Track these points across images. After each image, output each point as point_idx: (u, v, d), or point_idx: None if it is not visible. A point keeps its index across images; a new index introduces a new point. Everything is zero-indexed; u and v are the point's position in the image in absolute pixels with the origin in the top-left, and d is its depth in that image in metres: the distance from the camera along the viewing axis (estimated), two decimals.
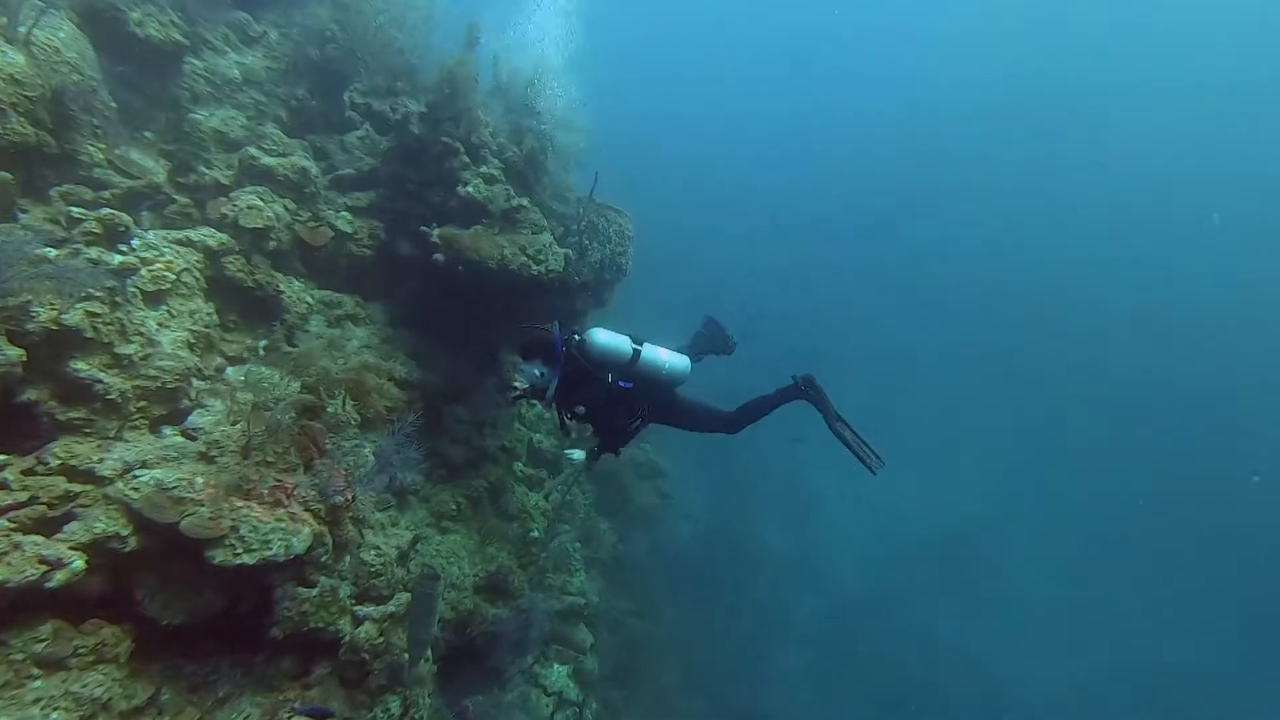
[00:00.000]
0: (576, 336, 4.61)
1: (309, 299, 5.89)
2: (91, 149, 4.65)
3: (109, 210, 4.26)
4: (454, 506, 7.27)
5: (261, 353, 5.38)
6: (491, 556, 7.48)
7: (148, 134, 5.29)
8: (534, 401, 4.67)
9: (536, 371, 4.51)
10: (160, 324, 4.42)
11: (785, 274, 28.29)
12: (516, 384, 4.70)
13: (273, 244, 5.60)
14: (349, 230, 6.55)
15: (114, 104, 4.66)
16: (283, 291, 5.56)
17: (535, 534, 8.33)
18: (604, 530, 12.21)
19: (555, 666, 8.44)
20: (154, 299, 4.39)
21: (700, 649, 13.74)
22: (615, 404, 4.70)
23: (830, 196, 33.33)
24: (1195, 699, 17.13)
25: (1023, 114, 35.76)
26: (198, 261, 4.72)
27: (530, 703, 7.48)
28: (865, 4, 37.73)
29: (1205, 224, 31.00)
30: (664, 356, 4.77)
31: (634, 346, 4.69)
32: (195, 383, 4.65)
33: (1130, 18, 33.44)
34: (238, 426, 4.57)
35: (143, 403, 4.27)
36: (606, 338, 4.65)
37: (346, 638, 4.71)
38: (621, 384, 4.57)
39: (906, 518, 20.33)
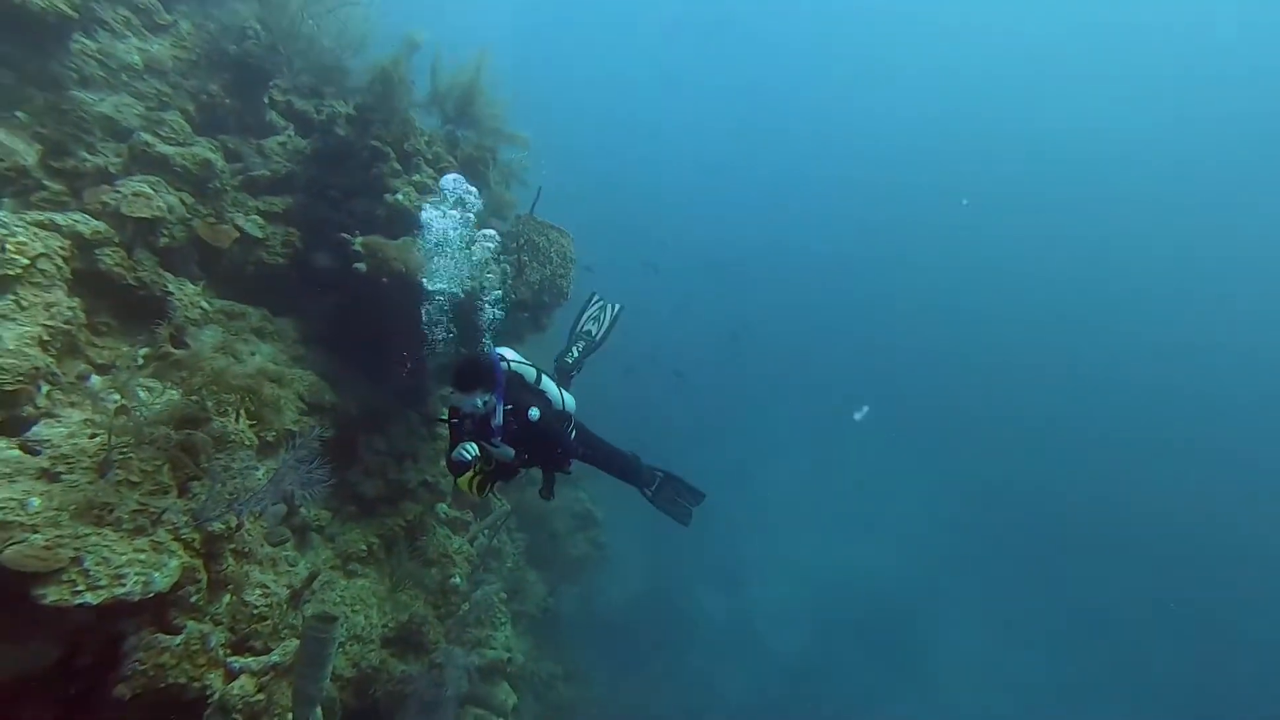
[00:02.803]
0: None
1: (205, 305, 5.22)
2: None
3: None
4: (364, 547, 6.48)
5: (140, 361, 4.66)
6: (404, 605, 6.67)
7: (20, 114, 4.63)
8: (468, 449, 3.88)
9: (478, 402, 3.88)
10: (3, 315, 3.71)
11: (716, 322, 28.72)
12: (452, 418, 4.06)
13: (164, 240, 4.96)
14: (259, 235, 5.97)
15: None
16: (172, 293, 4.90)
17: (457, 582, 7.54)
18: (533, 582, 11.42)
19: None
20: None
21: (630, 718, 12.91)
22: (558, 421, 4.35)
23: (761, 243, 34.48)
24: None
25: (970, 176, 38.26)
26: (61, 248, 4.05)
27: None
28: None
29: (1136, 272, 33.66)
30: (552, 385, 4.57)
31: (536, 368, 4.44)
32: (45, 388, 3.91)
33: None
34: (96, 440, 3.85)
35: None
36: (515, 355, 4.36)
37: (215, 695, 3.91)
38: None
39: (842, 584, 20.31)
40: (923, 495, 25.53)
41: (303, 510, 6.00)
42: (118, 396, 3.65)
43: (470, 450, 3.82)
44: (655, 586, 16.54)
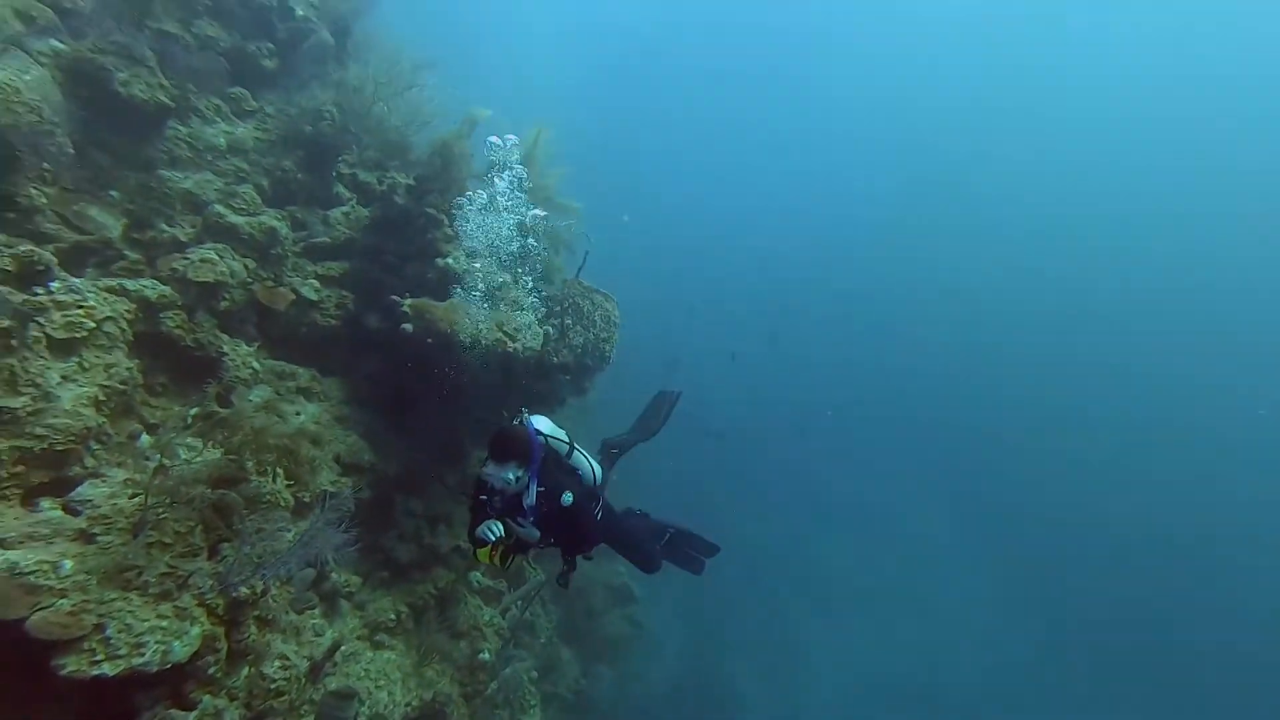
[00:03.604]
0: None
1: (255, 365, 5.36)
2: (35, 192, 4.31)
3: (28, 246, 3.83)
4: (393, 616, 6.29)
5: (190, 421, 4.75)
6: (430, 681, 6.38)
7: (113, 193, 5.01)
8: (492, 529, 3.64)
9: (511, 476, 3.64)
10: (65, 377, 3.85)
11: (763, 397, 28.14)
12: (480, 493, 3.80)
13: (225, 303, 5.17)
14: (314, 298, 6.17)
15: (71, 151, 4.38)
16: (226, 354, 5.04)
17: (486, 657, 7.22)
18: (566, 660, 10.87)
19: None
20: (64, 348, 3.85)
21: None
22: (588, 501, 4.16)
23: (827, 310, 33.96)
24: None
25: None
26: (127, 311, 4.24)
27: None
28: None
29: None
30: (588, 455, 4.38)
31: (569, 438, 4.25)
32: (94, 448, 3.99)
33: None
34: (136, 500, 3.87)
35: (19, 468, 3.58)
36: (549, 426, 4.16)
37: None
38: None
39: (899, 677, 18.65)
40: (995, 579, 23.48)
41: (333, 575, 5.91)
42: (159, 456, 3.67)
43: (495, 530, 3.61)
44: (694, 670, 15.50)
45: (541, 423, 4.15)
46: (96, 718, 3.52)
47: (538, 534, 3.87)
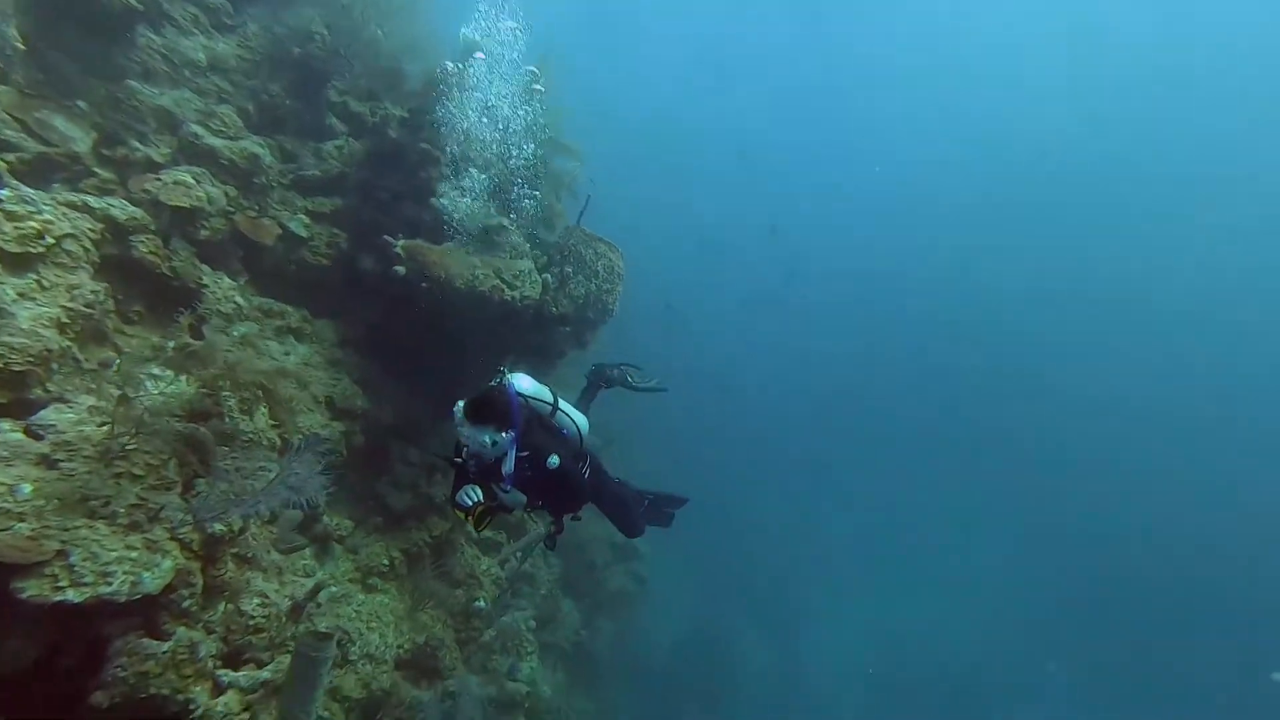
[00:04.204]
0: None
1: (239, 300, 5.14)
2: None
3: None
4: (386, 562, 6.20)
5: (170, 352, 4.56)
6: (423, 626, 6.32)
7: (81, 104, 4.72)
8: (470, 494, 3.47)
9: (488, 440, 3.40)
10: (22, 294, 3.64)
11: (784, 360, 27.73)
12: (458, 456, 3.60)
13: (204, 232, 4.92)
14: (303, 235, 5.91)
15: (20, 44, 4.07)
16: (206, 286, 4.82)
17: (481, 605, 7.16)
18: (567, 612, 10.88)
19: None
20: (18, 263, 3.63)
21: None
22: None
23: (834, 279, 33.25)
24: None
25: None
26: (91, 230, 4.00)
27: None
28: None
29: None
30: (572, 410, 4.13)
31: (552, 393, 4.01)
32: (60, 372, 3.81)
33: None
34: (104, 429, 3.69)
35: None
36: (532, 383, 3.90)
37: (198, 710, 3.61)
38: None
39: (902, 648, 18.66)
40: (1003, 554, 23.34)
41: (325, 518, 5.80)
42: (121, 385, 3.47)
43: (473, 496, 3.43)
44: (699, 629, 15.59)
45: (523, 382, 3.88)
46: (66, 643, 3.42)
47: (524, 499, 3.67)
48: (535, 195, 6.31)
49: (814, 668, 17.54)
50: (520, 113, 6.26)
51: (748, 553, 19.03)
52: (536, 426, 3.75)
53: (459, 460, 3.51)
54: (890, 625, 19.54)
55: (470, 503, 3.47)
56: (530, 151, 6.59)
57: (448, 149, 6.14)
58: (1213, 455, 28.06)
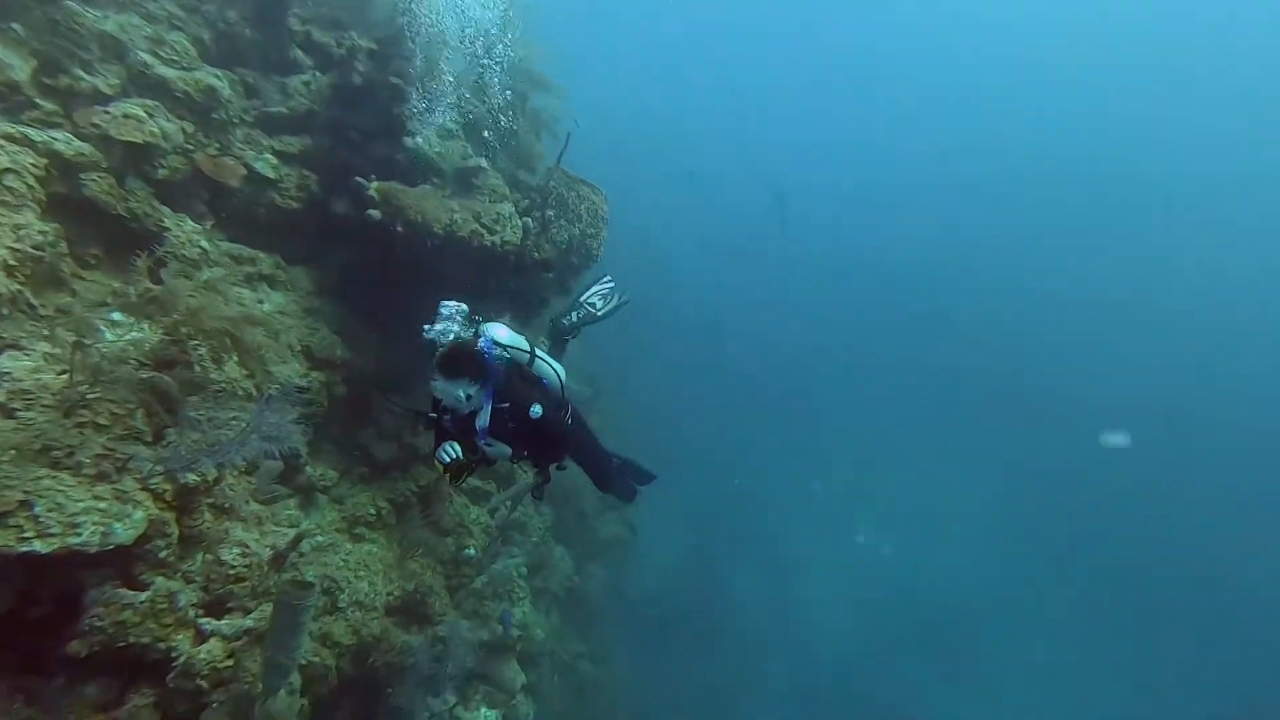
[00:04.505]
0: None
1: (205, 245, 4.90)
2: None
3: None
4: (373, 511, 6.18)
5: (134, 299, 4.36)
6: (413, 574, 6.36)
7: (16, 27, 4.35)
8: (450, 450, 3.43)
9: (462, 394, 3.34)
10: None
11: (761, 299, 27.59)
12: (434, 411, 3.57)
13: (162, 171, 4.64)
14: (271, 176, 5.62)
15: None
16: (168, 228, 4.58)
17: (471, 553, 7.21)
18: (559, 558, 11.04)
19: (482, 711, 7.21)
20: None
21: (656, 703, 12.47)
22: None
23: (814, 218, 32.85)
24: None
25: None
26: (34, 165, 3.74)
27: None
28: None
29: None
30: (549, 358, 4.02)
31: (530, 342, 3.90)
32: (14, 317, 3.62)
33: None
34: (63, 377, 3.54)
35: None
36: (508, 333, 3.77)
37: (181, 658, 3.60)
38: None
39: (893, 582, 19.21)
40: (989, 488, 23.87)
41: (308, 469, 5.73)
42: (74, 331, 3.31)
43: (451, 452, 3.38)
44: (691, 573, 15.94)
45: (499, 331, 3.73)
46: (38, 593, 3.36)
47: (508, 451, 3.63)
48: (513, 129, 6.00)
49: (803, 604, 18.07)
50: (497, 46, 5.90)
51: (737, 495, 19.39)
52: (515, 377, 3.65)
53: (433, 416, 3.43)
54: (878, 561, 20.08)
55: (449, 458, 3.42)
56: (507, 85, 6.25)
57: (419, 84, 5.80)
58: (1194, 392, 28.63)
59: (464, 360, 3.37)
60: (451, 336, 3.55)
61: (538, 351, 3.87)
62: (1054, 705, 17.13)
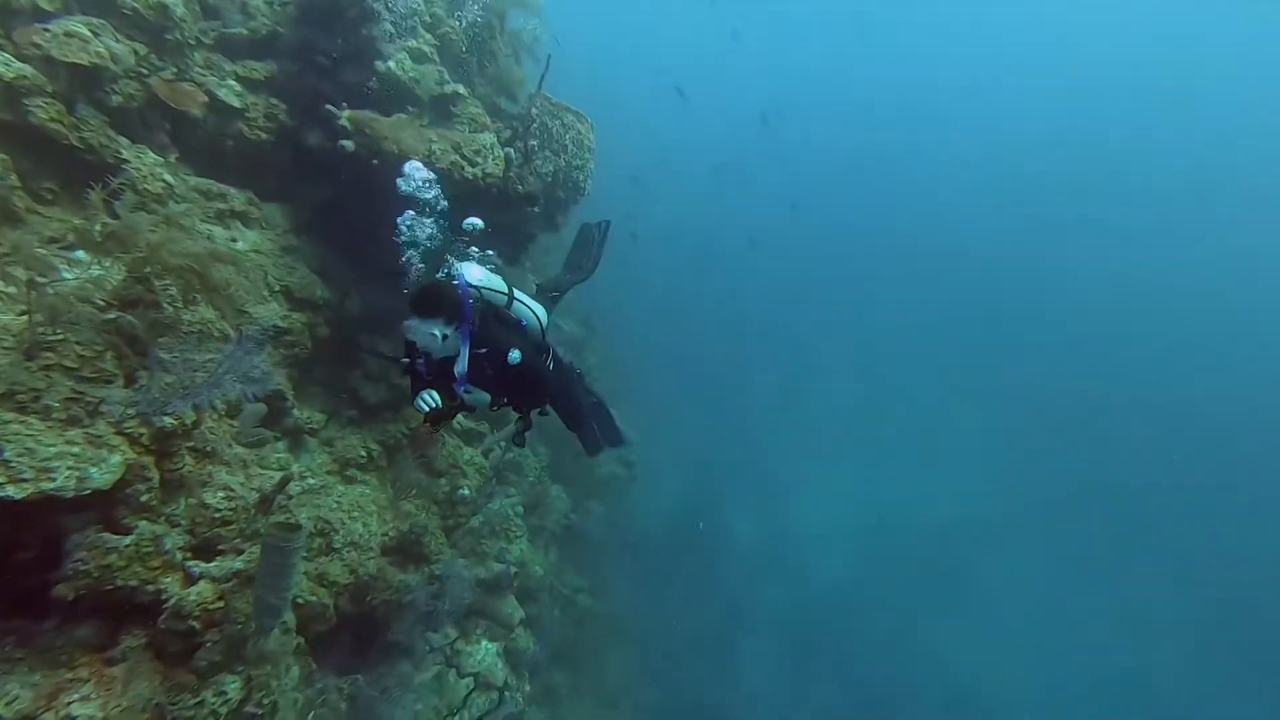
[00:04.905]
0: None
1: (169, 179, 4.64)
2: None
3: None
4: (363, 454, 6.15)
5: (93, 236, 4.15)
6: (407, 514, 6.39)
7: None
8: (428, 398, 3.32)
9: (438, 333, 3.20)
10: None
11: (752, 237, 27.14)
12: (407, 355, 3.43)
13: (116, 99, 4.33)
14: (236, 105, 5.28)
15: None
16: (126, 160, 4.31)
17: (465, 493, 7.25)
18: (555, 497, 11.18)
19: (483, 644, 7.43)
20: None
21: (655, 633, 12.93)
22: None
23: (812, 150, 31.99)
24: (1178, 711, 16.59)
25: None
26: None
27: (445, 685, 6.48)
28: None
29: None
30: (529, 299, 3.87)
31: (507, 284, 3.72)
32: None
33: None
34: (22, 319, 3.38)
35: None
36: (483, 273, 3.60)
37: (172, 600, 3.60)
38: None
39: (886, 513, 19.63)
40: (981, 418, 24.17)
41: (295, 412, 5.66)
42: (25, 269, 3.12)
43: (430, 401, 3.27)
44: (688, 508, 16.23)
45: (472, 272, 3.55)
46: (20, 537, 3.32)
47: (488, 397, 3.49)
48: (490, 52, 5.61)
49: (801, 536, 18.53)
50: None
51: (734, 429, 19.59)
52: (492, 320, 3.47)
53: (407, 361, 3.29)
54: (874, 493, 20.50)
55: (428, 407, 3.30)
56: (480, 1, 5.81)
57: (387, 2, 5.38)
58: (1193, 319, 28.69)
59: (440, 299, 3.22)
60: (418, 265, 3.38)
61: (516, 293, 3.70)
62: (1043, 626, 17.76)
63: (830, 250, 29.66)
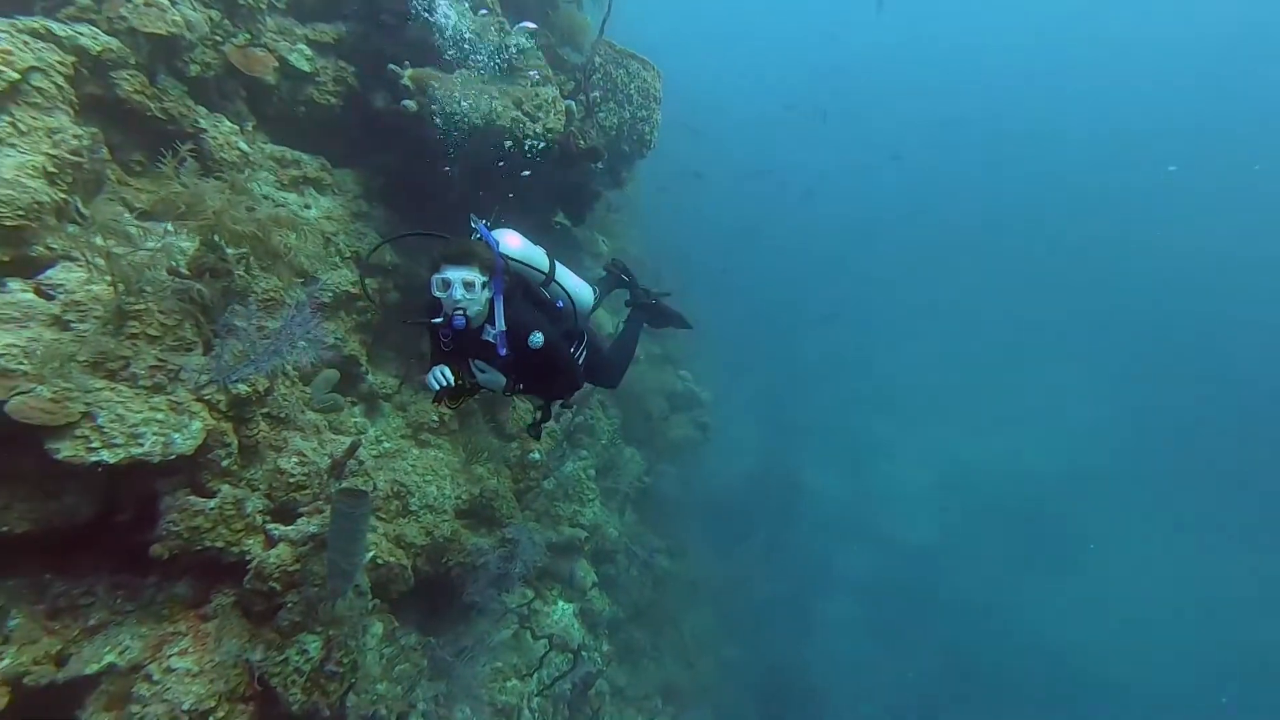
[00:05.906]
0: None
1: (244, 148, 4.70)
2: None
3: None
4: (435, 418, 6.24)
5: (164, 204, 4.26)
6: (480, 478, 6.48)
7: None
8: (441, 375, 2.98)
9: (475, 279, 2.89)
10: (0, 139, 3.31)
11: (827, 208, 25.62)
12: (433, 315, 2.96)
13: (194, 68, 4.38)
14: (307, 69, 5.27)
15: None
16: (204, 129, 4.38)
17: (537, 456, 7.29)
18: (629, 459, 11.13)
19: (560, 604, 7.57)
20: None
21: (735, 594, 12.75)
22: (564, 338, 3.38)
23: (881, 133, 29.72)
24: None
25: None
26: (60, 63, 3.54)
27: (522, 644, 6.63)
28: None
29: None
30: (572, 280, 3.53)
31: (550, 263, 3.40)
32: (61, 227, 3.58)
33: None
34: (112, 289, 3.51)
35: None
36: (523, 244, 3.25)
37: (255, 561, 3.75)
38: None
39: (973, 473, 18.49)
40: (1079, 374, 22.21)
41: (369, 376, 5.78)
42: (103, 238, 3.20)
43: (442, 379, 2.94)
44: (765, 469, 15.82)
45: (510, 240, 3.20)
46: (118, 499, 3.51)
47: (503, 380, 3.15)
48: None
49: (883, 498, 17.80)
50: None
51: (808, 393, 18.92)
52: (519, 297, 3.11)
53: (439, 321, 2.90)
54: (964, 452, 19.36)
55: (438, 387, 2.99)
56: None
57: None
58: None
59: (473, 248, 2.92)
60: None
61: (560, 271, 3.40)
62: (1129, 594, 16.42)
63: (918, 200, 27.65)
